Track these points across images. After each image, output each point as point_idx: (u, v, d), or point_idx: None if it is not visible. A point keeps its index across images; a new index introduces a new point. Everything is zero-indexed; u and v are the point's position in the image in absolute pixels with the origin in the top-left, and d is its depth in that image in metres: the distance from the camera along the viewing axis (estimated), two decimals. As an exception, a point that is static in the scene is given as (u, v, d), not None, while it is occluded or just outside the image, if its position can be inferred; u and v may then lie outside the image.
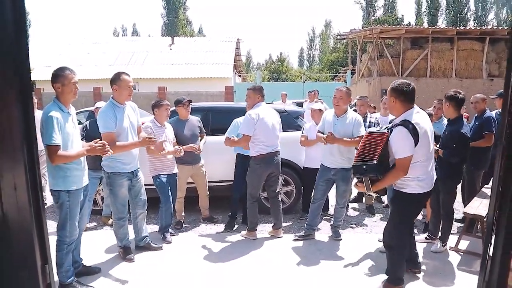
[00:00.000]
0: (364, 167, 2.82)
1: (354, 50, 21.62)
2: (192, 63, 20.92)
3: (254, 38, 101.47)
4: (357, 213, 5.37)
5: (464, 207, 4.21)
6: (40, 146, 2.22)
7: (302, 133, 4.89)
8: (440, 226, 4.01)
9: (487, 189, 4.38)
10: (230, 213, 4.79)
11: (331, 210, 5.13)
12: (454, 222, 4.25)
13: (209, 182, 4.91)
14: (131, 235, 3.96)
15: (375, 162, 2.77)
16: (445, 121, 4.31)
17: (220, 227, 4.76)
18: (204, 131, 4.87)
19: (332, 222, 4.43)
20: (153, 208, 4.52)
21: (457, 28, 17.61)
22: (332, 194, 4.49)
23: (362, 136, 3.88)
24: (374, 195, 3.11)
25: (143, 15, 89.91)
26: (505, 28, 17.74)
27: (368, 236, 4.50)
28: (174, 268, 3.63)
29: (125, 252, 3.78)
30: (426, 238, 4.17)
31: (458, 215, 4.63)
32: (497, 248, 1.71)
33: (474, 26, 34.72)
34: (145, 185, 3.90)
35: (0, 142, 1.41)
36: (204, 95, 14.36)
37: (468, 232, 4.13)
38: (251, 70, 51.18)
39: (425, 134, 2.84)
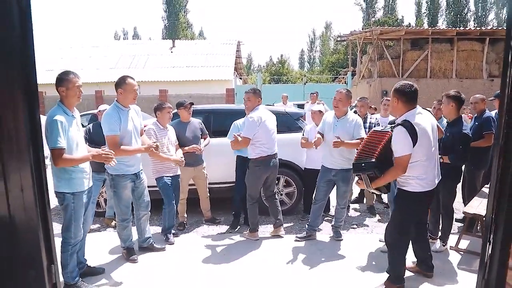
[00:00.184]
0: (363, 164, 2.91)
1: (355, 51, 21.67)
2: (193, 66, 20.99)
3: (254, 41, 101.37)
4: (358, 213, 5.39)
5: (465, 207, 4.23)
6: (46, 151, 2.25)
7: (303, 134, 4.92)
8: (440, 226, 4.04)
9: (487, 189, 4.39)
10: (233, 213, 4.85)
11: (332, 211, 5.15)
12: (454, 222, 4.27)
13: (210, 183, 4.95)
14: (135, 236, 4.00)
15: (373, 160, 2.85)
16: (445, 122, 4.33)
17: (222, 228, 4.80)
18: (207, 132, 4.92)
19: (333, 223, 4.47)
20: (156, 210, 4.55)
21: (457, 28, 17.64)
22: (333, 195, 4.52)
23: (363, 137, 3.95)
24: (376, 192, 3.17)
25: (144, 18, 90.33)
26: (505, 28, 17.75)
27: (369, 236, 4.53)
28: (177, 268, 3.67)
29: (128, 253, 3.82)
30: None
31: (458, 215, 4.66)
32: (495, 246, 1.74)
33: (474, 27, 34.74)
34: (148, 187, 3.94)
35: (7, 144, 1.43)
36: (205, 98, 14.41)
37: (468, 232, 4.15)
38: (252, 72, 51.23)
39: (425, 134, 2.87)
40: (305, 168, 5.12)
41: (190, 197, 4.82)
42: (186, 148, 4.47)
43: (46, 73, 18.13)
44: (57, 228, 3.28)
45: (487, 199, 3.52)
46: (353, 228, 4.78)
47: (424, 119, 2.94)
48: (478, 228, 4.21)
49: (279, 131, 4.60)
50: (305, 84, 23.24)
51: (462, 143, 3.67)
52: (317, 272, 3.59)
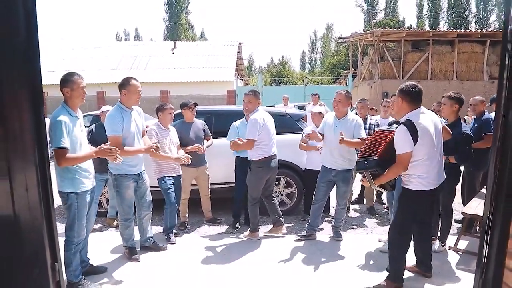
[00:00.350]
0: (365, 162, 3.00)
1: (356, 53, 21.70)
2: (194, 67, 21.04)
3: (256, 42, 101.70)
4: (358, 214, 5.42)
5: (463, 207, 4.25)
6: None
7: (302, 136, 4.94)
8: (439, 226, 4.06)
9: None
10: (233, 213, 4.88)
11: (332, 212, 5.18)
12: (453, 223, 4.29)
13: (212, 184, 4.98)
14: (137, 236, 4.03)
15: (376, 158, 2.93)
16: (443, 123, 4.34)
17: (223, 228, 4.83)
18: (210, 134, 4.95)
19: (333, 223, 4.50)
20: (158, 210, 4.58)
21: (458, 30, 17.64)
22: (333, 196, 4.55)
23: (363, 137, 4.00)
24: (381, 189, 3.25)
25: (145, 20, 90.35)
26: (501, 31, 17.74)
27: (368, 236, 4.55)
28: (178, 268, 3.70)
29: (130, 252, 3.86)
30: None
31: (457, 216, 4.68)
32: (492, 246, 1.76)
33: (475, 28, 34.70)
34: (150, 187, 3.98)
35: (12, 144, 1.46)
36: (207, 99, 14.45)
37: (467, 232, 4.17)
38: (253, 73, 51.24)
39: (427, 133, 2.92)
40: (305, 169, 5.15)
41: (192, 197, 4.86)
42: (189, 147, 4.50)
43: (48, 74, 18.20)
44: (60, 227, 3.33)
45: (485, 200, 3.54)
46: (353, 229, 4.81)
47: (427, 118, 3.00)
48: (477, 228, 4.22)
49: (279, 132, 4.63)
50: (306, 85, 23.25)
51: (466, 143, 3.72)
52: (317, 272, 3.61)
